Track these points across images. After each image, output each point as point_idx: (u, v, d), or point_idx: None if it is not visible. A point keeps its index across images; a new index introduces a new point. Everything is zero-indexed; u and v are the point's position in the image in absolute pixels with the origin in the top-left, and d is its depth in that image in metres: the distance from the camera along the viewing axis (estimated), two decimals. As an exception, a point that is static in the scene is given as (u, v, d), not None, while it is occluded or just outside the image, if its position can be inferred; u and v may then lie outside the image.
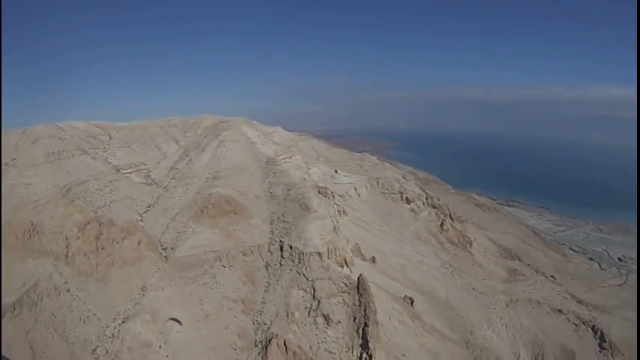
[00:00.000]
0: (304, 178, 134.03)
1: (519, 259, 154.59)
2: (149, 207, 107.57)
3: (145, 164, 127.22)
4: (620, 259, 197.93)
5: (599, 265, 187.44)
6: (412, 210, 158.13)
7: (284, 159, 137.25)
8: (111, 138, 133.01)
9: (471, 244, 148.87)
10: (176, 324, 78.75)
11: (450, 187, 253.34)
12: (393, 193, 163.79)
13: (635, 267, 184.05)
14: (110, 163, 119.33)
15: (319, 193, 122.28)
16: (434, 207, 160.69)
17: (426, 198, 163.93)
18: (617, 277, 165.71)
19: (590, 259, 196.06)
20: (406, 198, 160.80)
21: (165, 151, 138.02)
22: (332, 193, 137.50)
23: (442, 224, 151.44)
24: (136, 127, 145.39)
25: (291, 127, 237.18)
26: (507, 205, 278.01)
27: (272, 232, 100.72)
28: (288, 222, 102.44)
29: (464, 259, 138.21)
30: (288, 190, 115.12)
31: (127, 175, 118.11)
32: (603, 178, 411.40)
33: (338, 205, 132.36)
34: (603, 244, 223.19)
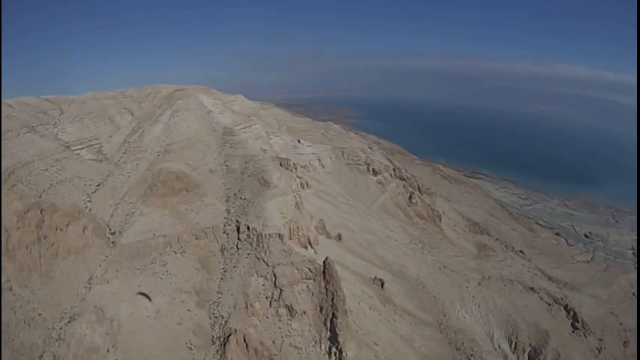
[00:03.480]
0: (264, 150, 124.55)
1: (488, 234, 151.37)
2: (98, 186, 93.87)
3: (96, 139, 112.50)
4: (586, 236, 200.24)
5: (566, 240, 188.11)
6: (379, 182, 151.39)
7: (243, 129, 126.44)
8: (62, 112, 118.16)
9: (440, 219, 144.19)
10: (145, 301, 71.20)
11: (415, 157, 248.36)
12: (359, 164, 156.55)
13: (601, 244, 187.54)
14: (60, 139, 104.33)
15: (280, 165, 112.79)
16: (402, 179, 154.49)
17: (394, 169, 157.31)
18: (584, 254, 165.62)
19: (557, 234, 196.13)
20: (373, 169, 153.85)
21: (119, 124, 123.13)
22: (294, 164, 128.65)
23: (410, 197, 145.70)
24: (88, 100, 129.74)
25: (254, 96, 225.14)
26: (472, 177, 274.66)
27: (228, 210, 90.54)
28: (245, 199, 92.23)
29: (433, 234, 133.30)
30: (246, 162, 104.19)
31: (78, 151, 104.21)
32: (565, 153, 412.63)
33: (301, 177, 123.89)
34: (569, 220, 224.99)
